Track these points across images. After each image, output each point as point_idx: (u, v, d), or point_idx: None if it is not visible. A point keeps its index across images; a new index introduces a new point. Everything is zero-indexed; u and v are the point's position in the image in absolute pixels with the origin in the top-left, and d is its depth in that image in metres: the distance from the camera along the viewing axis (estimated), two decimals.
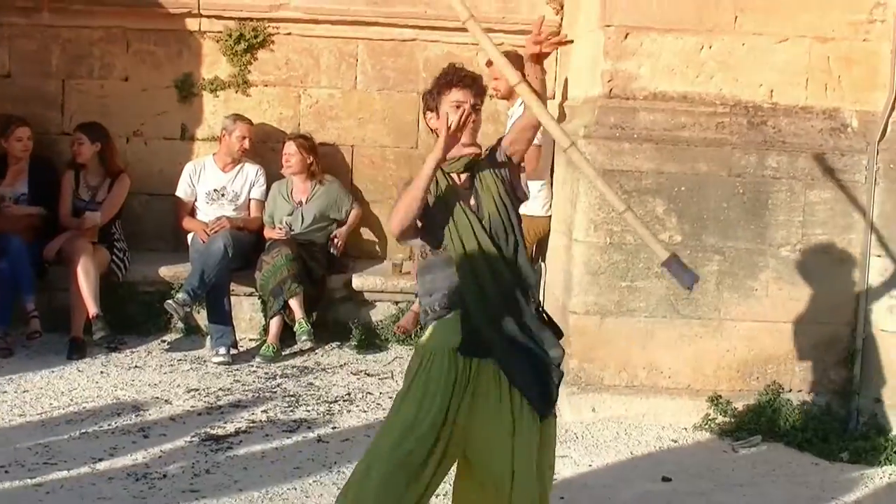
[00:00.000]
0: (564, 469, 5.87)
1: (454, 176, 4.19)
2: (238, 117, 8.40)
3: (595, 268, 6.63)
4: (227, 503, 5.26)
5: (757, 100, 6.69)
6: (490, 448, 3.99)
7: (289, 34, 8.76)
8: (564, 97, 8.18)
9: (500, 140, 4.26)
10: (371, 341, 8.11)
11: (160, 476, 5.60)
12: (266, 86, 8.82)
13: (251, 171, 8.43)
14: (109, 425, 6.39)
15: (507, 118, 7.83)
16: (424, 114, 4.35)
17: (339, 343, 8.16)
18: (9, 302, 7.76)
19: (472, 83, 4.20)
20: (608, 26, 6.69)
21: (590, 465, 5.98)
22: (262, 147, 8.62)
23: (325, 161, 8.57)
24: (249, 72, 8.77)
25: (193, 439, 6.17)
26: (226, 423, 6.47)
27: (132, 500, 5.28)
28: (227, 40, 8.68)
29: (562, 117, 7.86)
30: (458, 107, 4.11)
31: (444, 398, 3.94)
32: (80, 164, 8.24)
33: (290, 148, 8.36)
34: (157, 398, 6.89)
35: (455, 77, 4.21)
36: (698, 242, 6.60)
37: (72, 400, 6.84)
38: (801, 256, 6.58)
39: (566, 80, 8.24)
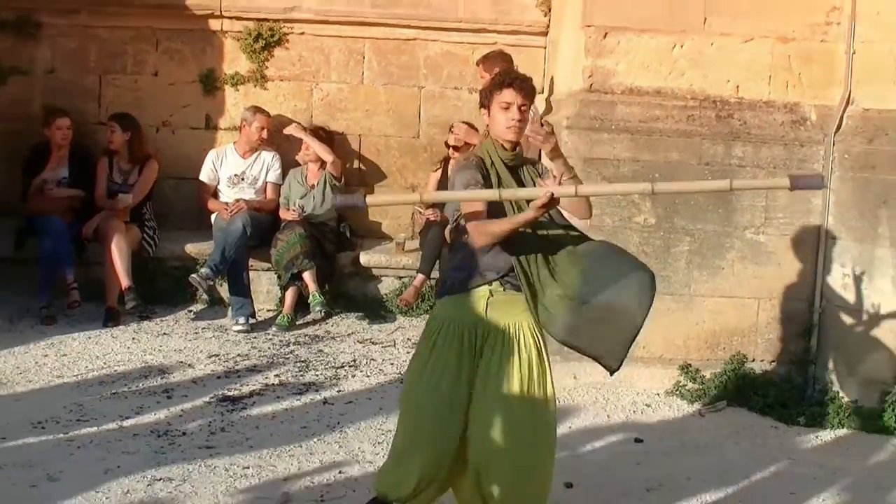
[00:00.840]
0: None
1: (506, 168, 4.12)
2: (257, 109, 8.32)
3: None
4: (239, 459, 5.20)
5: (724, 95, 6.58)
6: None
7: (302, 34, 8.64)
8: (551, 92, 8.07)
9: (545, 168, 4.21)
10: (377, 312, 8.03)
11: (180, 433, 5.57)
12: (282, 80, 8.69)
13: (268, 158, 8.33)
14: (137, 386, 6.36)
15: None
16: (479, 110, 4.21)
17: (347, 314, 8.07)
18: (52, 275, 7.75)
19: (522, 86, 4.06)
20: (589, 26, 6.60)
21: (569, 427, 5.90)
22: (278, 136, 8.47)
23: (335, 149, 8.45)
24: (267, 68, 8.65)
25: (212, 400, 6.14)
26: (242, 385, 6.42)
27: (153, 454, 5.25)
28: (246, 39, 8.58)
29: (548, 110, 7.75)
30: (505, 108, 4.01)
31: (458, 364, 4.01)
32: (113, 151, 8.17)
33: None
34: (182, 362, 6.84)
35: (507, 78, 4.09)
36: (671, 225, 6.49)
37: (105, 363, 6.80)
38: (763, 238, 6.48)
39: (552, 78, 8.13)
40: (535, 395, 4.04)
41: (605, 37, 6.57)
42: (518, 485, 4.03)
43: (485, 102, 4.13)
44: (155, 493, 4.78)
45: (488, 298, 4.03)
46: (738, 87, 6.56)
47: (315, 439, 5.51)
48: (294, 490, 4.83)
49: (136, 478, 4.92)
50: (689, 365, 6.48)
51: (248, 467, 5.11)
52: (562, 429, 5.81)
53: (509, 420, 3.98)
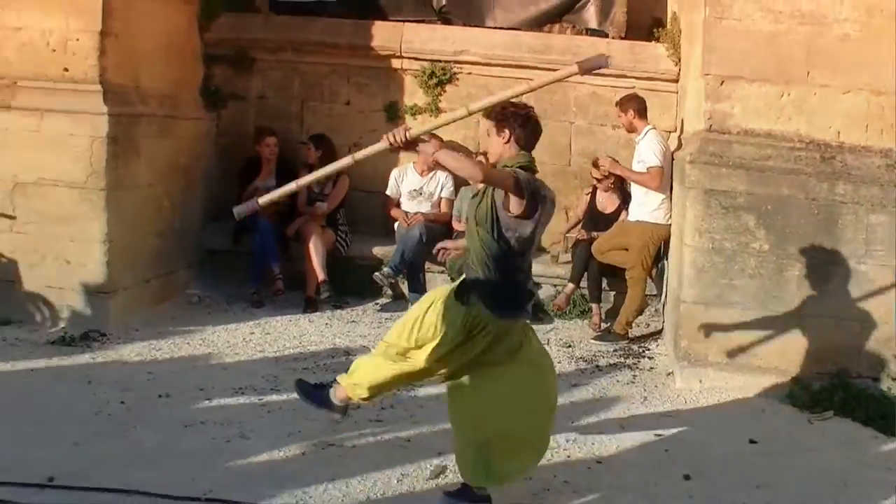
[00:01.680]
0: (672, 426, 5.54)
1: None
2: (432, 135, 8.14)
3: (700, 267, 6.27)
4: (401, 432, 5.14)
5: (827, 139, 6.24)
6: None
7: (469, 74, 8.53)
8: (682, 131, 7.77)
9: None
10: (535, 314, 7.67)
11: (354, 406, 5.39)
12: None
13: (442, 177, 8.22)
14: (325, 363, 6.36)
15: (635, 144, 7.44)
16: None
17: None
18: (261, 267, 7.87)
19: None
20: (707, 75, 6.35)
21: (692, 426, 5.59)
22: None
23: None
24: (440, 101, 8.54)
25: None
26: None
27: (330, 423, 5.13)
28: (422, 76, 8.51)
29: (679, 146, 7.46)
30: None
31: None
32: (311, 165, 8.14)
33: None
34: (364, 346, 6.79)
35: None
36: (783, 251, 6.16)
37: (300, 343, 6.86)
38: (864, 267, 6.08)
39: (682, 119, 7.82)
40: None
41: (721, 84, 6.30)
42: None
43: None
44: (326, 455, 4.76)
45: None
46: (839, 132, 6.22)
47: None
48: (448, 463, 4.70)
49: (312, 441, 4.91)
50: (801, 377, 6.09)
51: (408, 440, 5.04)
52: (686, 426, 5.58)
53: None
